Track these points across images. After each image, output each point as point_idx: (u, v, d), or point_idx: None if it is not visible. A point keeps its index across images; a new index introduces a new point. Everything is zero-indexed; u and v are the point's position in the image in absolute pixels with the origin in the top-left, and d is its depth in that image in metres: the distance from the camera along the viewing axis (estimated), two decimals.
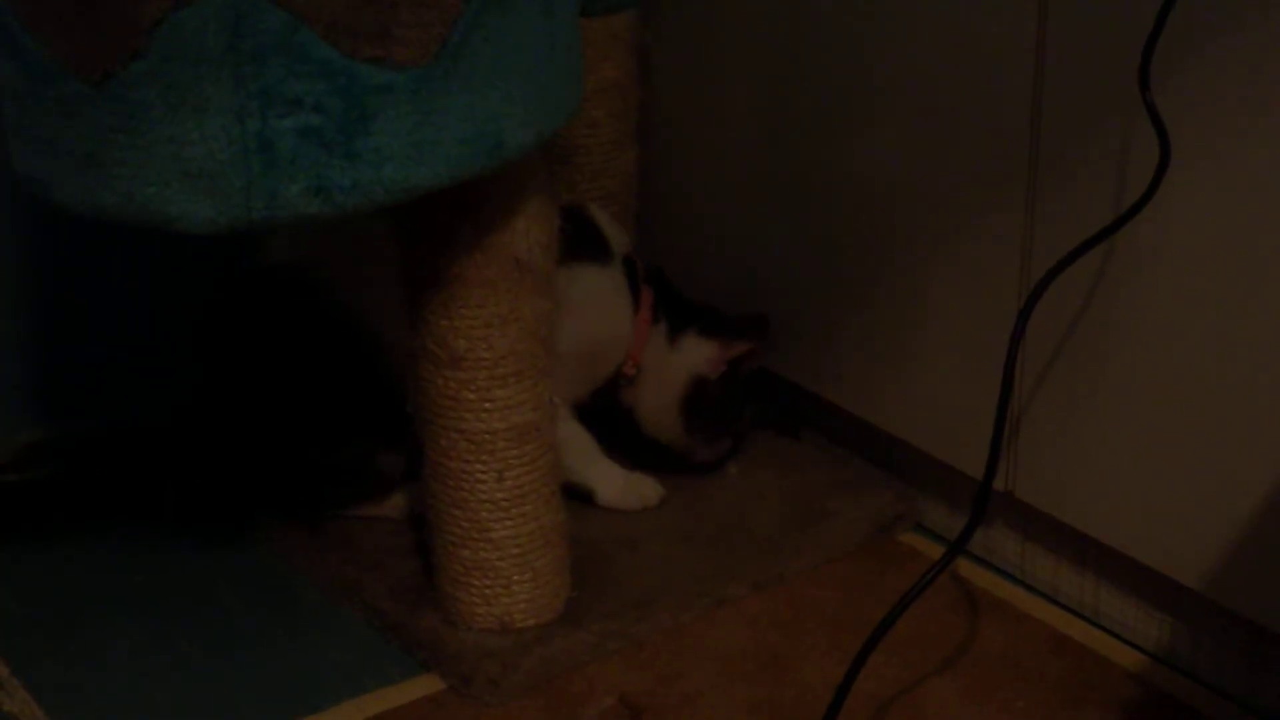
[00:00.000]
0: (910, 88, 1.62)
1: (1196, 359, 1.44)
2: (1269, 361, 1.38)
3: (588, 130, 1.84)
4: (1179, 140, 1.39)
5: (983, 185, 1.58)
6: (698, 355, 1.78)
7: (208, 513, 1.79)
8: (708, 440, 1.81)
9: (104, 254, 1.84)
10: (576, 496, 1.72)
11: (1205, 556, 1.46)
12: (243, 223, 1.28)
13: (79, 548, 1.76)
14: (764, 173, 1.81)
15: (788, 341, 1.84)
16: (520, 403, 1.51)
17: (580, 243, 1.70)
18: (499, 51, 1.32)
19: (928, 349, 1.68)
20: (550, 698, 1.53)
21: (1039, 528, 1.65)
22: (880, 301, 1.71)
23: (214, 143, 1.25)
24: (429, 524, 1.58)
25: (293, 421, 1.71)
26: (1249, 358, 1.40)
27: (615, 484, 1.76)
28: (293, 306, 1.69)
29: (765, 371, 1.85)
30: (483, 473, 1.52)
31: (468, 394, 1.50)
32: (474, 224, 1.45)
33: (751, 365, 1.80)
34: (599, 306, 1.74)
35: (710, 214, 1.84)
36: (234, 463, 1.77)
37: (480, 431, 1.51)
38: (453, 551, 1.56)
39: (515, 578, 1.56)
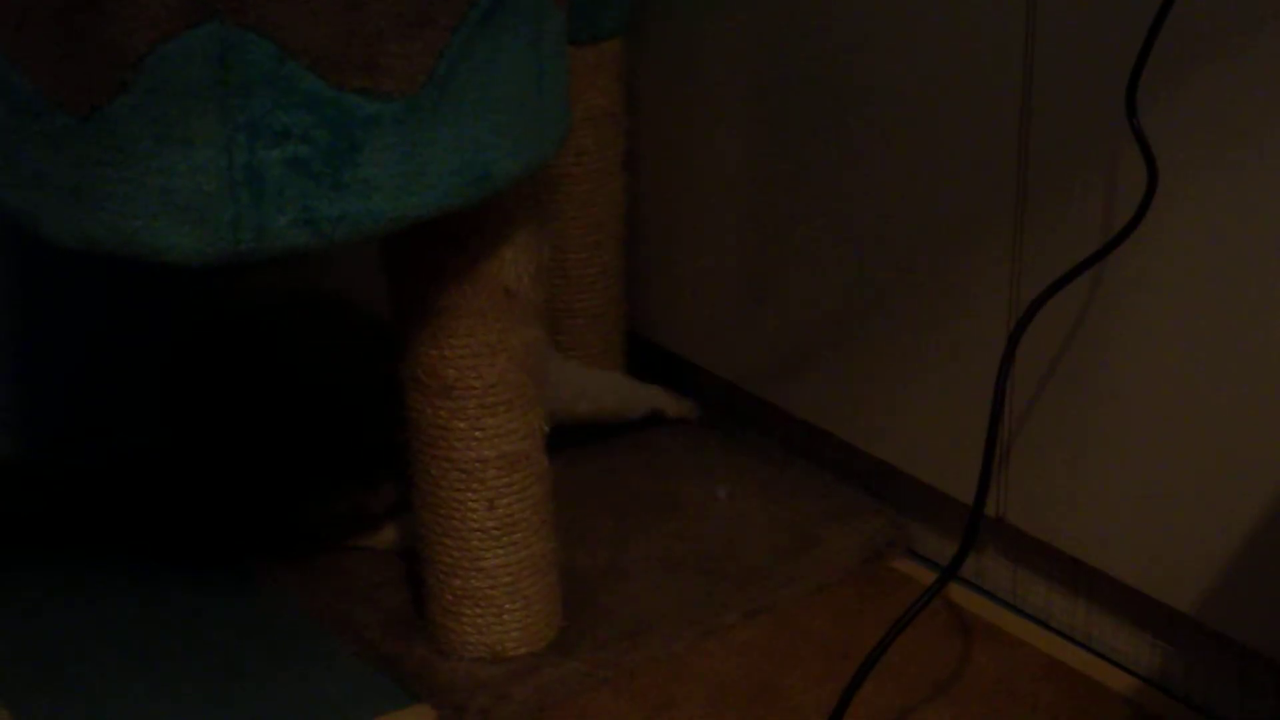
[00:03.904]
0: (898, 114, 1.63)
1: (1187, 383, 1.44)
2: (1260, 384, 1.38)
3: (575, 158, 1.84)
4: (1166, 166, 1.39)
5: (971, 210, 1.58)
6: None
7: (198, 545, 1.78)
8: None
9: (89, 287, 1.83)
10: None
11: (1198, 581, 1.46)
12: (231, 254, 1.28)
13: (68, 582, 1.75)
14: (751, 200, 1.81)
15: (777, 368, 1.84)
16: (510, 431, 1.51)
17: None
18: (487, 82, 1.32)
19: (917, 374, 1.68)
20: None
21: (1031, 553, 1.65)
22: (869, 327, 1.71)
23: (201, 175, 1.25)
24: (420, 554, 1.58)
25: (271, 460, 1.70)
26: (1239, 381, 1.40)
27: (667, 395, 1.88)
28: (273, 343, 1.69)
29: (741, 390, 1.86)
30: (473, 501, 1.52)
31: (458, 423, 1.50)
32: (463, 254, 1.45)
33: None
34: None
35: (698, 240, 1.84)
36: (223, 495, 1.77)
37: (470, 460, 1.51)
38: (444, 581, 1.55)
39: (507, 606, 1.55)
